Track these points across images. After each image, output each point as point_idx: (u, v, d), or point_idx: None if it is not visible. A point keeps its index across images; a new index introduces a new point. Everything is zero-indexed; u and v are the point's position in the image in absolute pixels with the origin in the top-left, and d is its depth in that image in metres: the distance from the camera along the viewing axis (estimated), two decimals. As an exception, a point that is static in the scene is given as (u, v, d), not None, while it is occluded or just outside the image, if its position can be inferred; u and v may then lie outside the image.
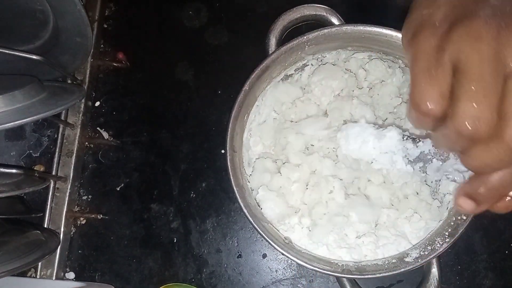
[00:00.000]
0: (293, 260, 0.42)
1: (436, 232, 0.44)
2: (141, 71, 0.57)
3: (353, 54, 0.47)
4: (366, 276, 0.42)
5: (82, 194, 0.55)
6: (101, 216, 0.54)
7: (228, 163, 0.43)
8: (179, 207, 0.54)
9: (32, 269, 0.51)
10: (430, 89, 0.24)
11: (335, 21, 0.46)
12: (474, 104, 0.23)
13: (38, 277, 0.50)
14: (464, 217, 0.41)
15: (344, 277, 0.44)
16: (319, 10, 0.47)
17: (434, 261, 0.44)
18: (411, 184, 0.46)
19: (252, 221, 0.42)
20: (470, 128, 0.23)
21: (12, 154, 0.55)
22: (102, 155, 0.55)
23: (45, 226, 0.51)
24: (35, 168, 0.54)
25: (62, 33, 0.48)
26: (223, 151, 0.54)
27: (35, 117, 0.40)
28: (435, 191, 0.47)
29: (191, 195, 0.54)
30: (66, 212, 0.52)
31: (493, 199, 0.27)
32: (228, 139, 0.43)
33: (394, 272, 0.42)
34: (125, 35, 0.58)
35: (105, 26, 0.58)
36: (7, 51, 0.42)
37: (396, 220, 0.45)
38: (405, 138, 0.33)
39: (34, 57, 0.42)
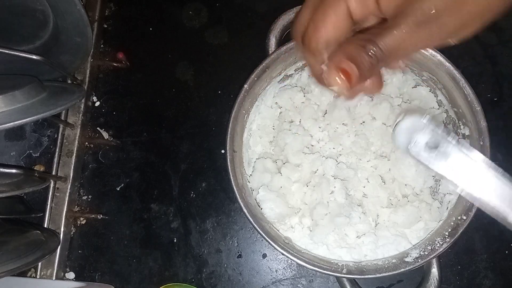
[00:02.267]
0: (293, 260, 0.42)
1: (436, 232, 0.44)
2: (141, 71, 0.57)
3: (353, 54, 0.47)
4: (366, 276, 0.42)
5: (82, 194, 0.55)
6: (101, 216, 0.54)
7: (228, 163, 0.43)
8: (179, 207, 0.54)
9: (32, 269, 0.51)
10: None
11: (335, 21, 0.46)
12: None
13: (38, 277, 0.50)
14: (464, 217, 0.41)
15: (344, 277, 0.44)
16: (319, 10, 0.46)
17: (434, 261, 0.44)
18: (410, 184, 0.46)
19: (252, 221, 0.42)
20: None
21: (12, 154, 0.55)
22: (102, 155, 0.55)
23: (45, 226, 0.51)
24: (35, 168, 0.54)
25: (62, 33, 0.48)
26: (223, 151, 0.54)
27: (35, 117, 0.40)
28: (435, 191, 0.47)
29: (191, 195, 0.54)
30: (66, 212, 0.52)
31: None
32: (228, 139, 0.44)
33: (394, 272, 0.42)
34: (125, 35, 0.58)
35: (105, 26, 0.58)
36: (7, 51, 0.42)
37: (395, 220, 0.45)
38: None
39: (34, 57, 0.42)
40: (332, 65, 0.25)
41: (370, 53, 0.24)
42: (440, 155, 0.27)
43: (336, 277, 0.46)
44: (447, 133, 0.27)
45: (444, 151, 0.27)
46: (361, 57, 0.24)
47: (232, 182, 0.43)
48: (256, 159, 0.47)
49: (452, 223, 0.42)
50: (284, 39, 0.47)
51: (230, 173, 0.43)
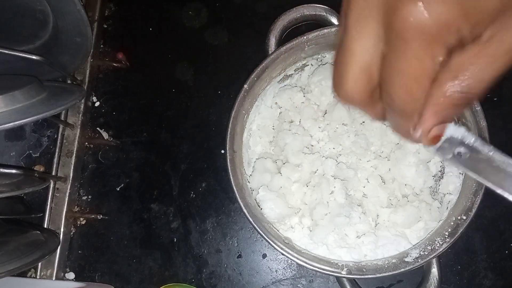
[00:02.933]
0: (293, 260, 0.42)
1: (436, 232, 0.44)
2: (141, 71, 0.57)
3: (353, 54, 0.47)
4: (366, 276, 0.42)
5: (82, 194, 0.55)
6: (101, 216, 0.54)
7: (228, 163, 0.43)
8: (179, 207, 0.54)
9: (32, 269, 0.51)
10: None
11: (335, 21, 0.46)
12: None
13: (38, 277, 0.50)
14: (464, 217, 0.41)
15: (344, 277, 0.44)
16: (319, 10, 0.47)
17: (434, 261, 0.44)
18: (410, 184, 0.46)
19: (252, 221, 0.42)
20: None
21: (12, 154, 0.55)
22: (102, 155, 0.55)
23: (45, 226, 0.51)
24: (35, 168, 0.54)
25: (62, 33, 0.48)
26: (223, 151, 0.54)
27: (35, 117, 0.40)
28: (435, 191, 0.47)
29: (191, 195, 0.54)
30: (66, 212, 0.52)
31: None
32: (228, 139, 0.43)
33: (394, 272, 0.42)
34: (125, 35, 0.58)
35: (105, 26, 0.58)
36: (7, 51, 0.42)
37: (395, 220, 0.45)
38: None
39: (34, 57, 0.42)
40: (426, 136, 0.24)
41: (459, 103, 0.22)
42: (473, 159, 0.27)
43: (336, 277, 0.46)
44: (478, 139, 0.27)
45: (475, 156, 0.27)
46: (452, 113, 0.23)
47: (232, 182, 0.43)
48: (256, 159, 0.47)
49: (452, 223, 0.42)
50: (284, 39, 0.47)
51: (230, 173, 0.43)
